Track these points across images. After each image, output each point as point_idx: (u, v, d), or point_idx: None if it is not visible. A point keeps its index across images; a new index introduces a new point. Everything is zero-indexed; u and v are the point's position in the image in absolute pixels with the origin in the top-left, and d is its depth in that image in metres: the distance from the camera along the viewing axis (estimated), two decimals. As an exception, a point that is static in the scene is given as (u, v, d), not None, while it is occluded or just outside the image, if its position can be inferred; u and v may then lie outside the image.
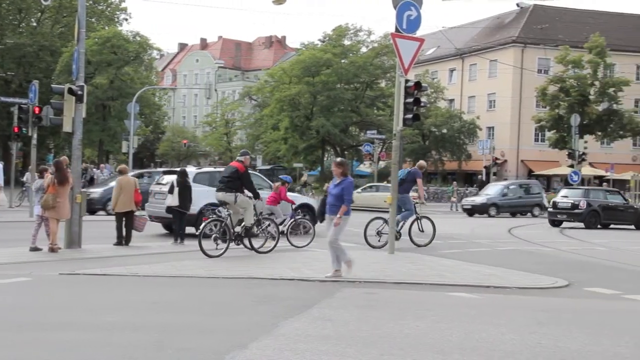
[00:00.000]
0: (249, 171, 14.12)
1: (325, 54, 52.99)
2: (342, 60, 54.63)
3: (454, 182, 48.17)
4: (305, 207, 18.91)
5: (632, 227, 27.25)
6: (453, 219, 29.25)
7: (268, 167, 72.50)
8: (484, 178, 50.50)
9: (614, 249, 17.50)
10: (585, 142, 42.08)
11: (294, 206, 17.04)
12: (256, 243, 13.66)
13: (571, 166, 39.49)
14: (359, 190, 39.12)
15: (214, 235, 13.02)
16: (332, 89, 53.07)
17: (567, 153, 41.47)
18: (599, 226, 26.45)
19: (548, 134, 52.60)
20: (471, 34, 65.91)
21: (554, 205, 27.34)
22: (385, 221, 14.82)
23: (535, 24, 60.09)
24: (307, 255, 13.43)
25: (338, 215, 10.43)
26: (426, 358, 5.96)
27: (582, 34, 55.28)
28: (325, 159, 62.04)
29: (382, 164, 50.85)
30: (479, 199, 35.37)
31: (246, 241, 13.46)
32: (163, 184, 17.60)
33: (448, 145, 58.36)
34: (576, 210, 26.41)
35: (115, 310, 7.94)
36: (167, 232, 17.71)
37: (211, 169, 19.44)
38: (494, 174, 50.65)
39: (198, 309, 8.20)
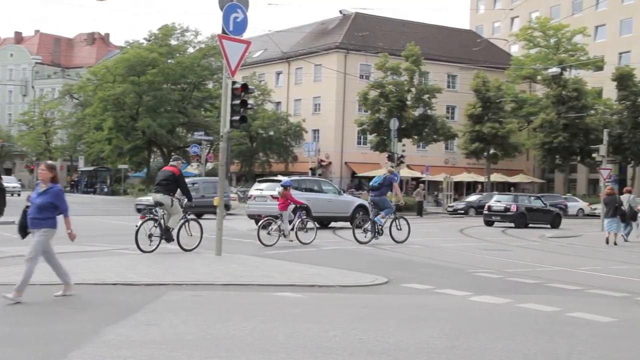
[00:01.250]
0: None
1: (151, 53, 51.80)
2: (169, 60, 53.69)
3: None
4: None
5: (549, 226, 31.48)
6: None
7: (91, 168, 69.69)
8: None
9: (430, 247, 18.57)
10: (404, 145, 44.29)
11: (296, 206, 17.91)
12: (186, 241, 14.67)
13: (392, 168, 41.33)
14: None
15: (148, 233, 14.10)
16: (159, 89, 51.98)
17: (387, 155, 43.46)
18: (525, 225, 30.92)
19: (370, 137, 54.83)
20: (297, 38, 67.25)
21: (489, 208, 32.20)
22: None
23: (357, 31, 62.40)
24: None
25: (68, 230, 8.85)
26: (253, 358, 6.02)
27: (399, 42, 58.24)
28: (151, 160, 60.65)
29: (209, 165, 50.52)
30: None
31: (179, 239, 14.56)
32: None
33: (275, 147, 59.14)
34: (508, 213, 31.17)
35: None
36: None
37: None
38: (320, 175, 52.00)
39: (10, 317, 7.71)
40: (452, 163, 63.47)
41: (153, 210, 14.76)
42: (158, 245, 14.20)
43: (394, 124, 42.62)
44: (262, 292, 9.89)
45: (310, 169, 50.17)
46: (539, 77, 60.67)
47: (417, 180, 55.35)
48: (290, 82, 66.11)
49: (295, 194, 20.12)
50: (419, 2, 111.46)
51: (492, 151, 55.85)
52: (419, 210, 40.94)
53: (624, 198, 23.05)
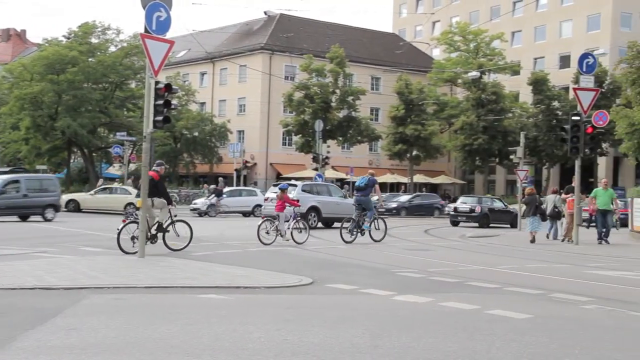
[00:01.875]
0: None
1: (70, 51, 50.35)
2: (90, 59, 52.33)
3: (205, 185, 48.43)
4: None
5: (508, 226, 33.64)
6: (204, 222, 29.40)
7: (7, 169, 67.21)
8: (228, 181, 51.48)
9: (356, 247, 18.74)
10: (328, 146, 44.62)
11: (297, 208, 19.31)
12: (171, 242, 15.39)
13: (316, 169, 41.65)
14: (91, 192, 38.38)
15: (131, 235, 14.47)
16: (79, 88, 50.60)
17: (312, 157, 43.66)
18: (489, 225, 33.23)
19: (295, 138, 54.99)
20: (221, 38, 66.78)
21: (455, 209, 35.00)
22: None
23: (281, 32, 62.46)
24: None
25: None
26: (176, 361, 5.95)
27: (324, 44, 58.62)
28: (72, 160, 59.08)
29: (132, 166, 49.60)
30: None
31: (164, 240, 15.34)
32: None
33: (199, 148, 58.55)
34: (473, 214, 33.77)
35: None
36: None
37: None
38: (245, 176, 51.79)
39: None
40: (376, 164, 64.25)
41: (134, 214, 15.44)
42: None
43: (318, 125, 42.86)
44: (187, 295, 9.79)
45: (235, 170, 49.90)
46: (459, 81, 62.18)
47: (342, 181, 55.81)
48: (214, 82, 65.60)
49: (308, 197, 25.12)
50: (343, 4, 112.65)
51: (414, 153, 56.88)
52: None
53: (550, 198, 23.91)
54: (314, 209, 26.36)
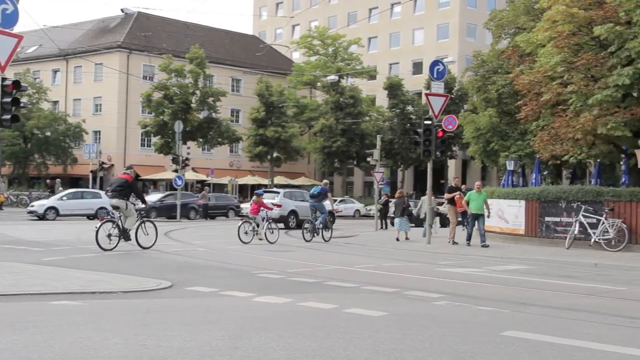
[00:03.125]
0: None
1: None
2: None
3: (60, 188, 46.41)
4: None
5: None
6: (51, 225, 28.15)
7: None
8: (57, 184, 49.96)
9: (215, 249, 18.65)
10: (188, 148, 44.02)
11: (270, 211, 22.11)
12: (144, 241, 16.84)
13: (175, 171, 40.99)
14: None
15: (107, 233, 16.10)
16: None
17: (171, 158, 42.94)
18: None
19: (154, 139, 53.85)
20: (75, 35, 64.20)
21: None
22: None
23: (139, 30, 60.97)
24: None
25: None
26: (26, 372, 5.69)
27: (184, 44, 57.87)
28: None
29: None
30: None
31: (135, 238, 16.85)
32: None
33: (52, 149, 56.04)
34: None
35: None
36: None
37: None
38: (101, 178, 50.08)
39: None
40: (237, 166, 64.17)
41: (110, 213, 17.08)
42: (117, 243, 16.33)
43: (178, 126, 42.23)
44: (37, 302, 9.34)
45: (91, 171, 48.15)
46: (318, 84, 63.36)
47: (202, 183, 55.24)
48: (68, 80, 62.99)
49: (289, 202, 31.10)
50: (203, 5, 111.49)
51: (275, 154, 57.28)
52: (204, 212, 40.96)
53: (425, 199, 25.46)
54: (293, 212, 31.41)
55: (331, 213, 27.78)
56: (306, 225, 22.96)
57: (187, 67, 51.76)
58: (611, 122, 20.26)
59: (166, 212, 38.33)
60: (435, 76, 21.76)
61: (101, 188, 46.89)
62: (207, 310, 9.03)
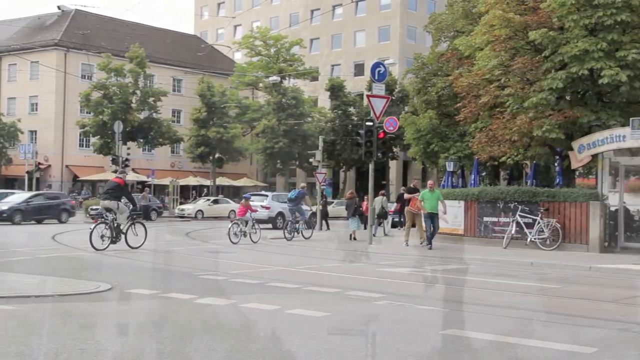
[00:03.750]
0: None
1: None
2: None
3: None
4: None
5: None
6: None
7: None
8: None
9: (158, 251, 18.39)
10: (129, 148, 43.32)
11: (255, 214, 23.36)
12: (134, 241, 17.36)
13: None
14: None
15: (101, 234, 16.84)
16: None
17: (111, 159, 42.19)
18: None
19: (93, 139, 52.81)
20: (9, 32, 62.47)
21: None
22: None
23: (77, 29, 59.68)
24: None
25: None
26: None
27: (123, 43, 56.88)
28: None
29: None
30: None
31: (126, 239, 17.52)
32: None
33: (-16, 149, 54.34)
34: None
35: None
36: None
37: None
38: (37, 179, 48.86)
39: None
40: (178, 167, 63.44)
41: (103, 215, 17.58)
42: (109, 244, 16.93)
43: (118, 126, 41.54)
44: (-30, 308, 9.06)
45: (27, 172, 46.93)
46: (260, 85, 63.15)
47: (143, 184, 54.47)
48: (2, 79, 61.25)
49: (276, 205, 33.12)
50: (144, 4, 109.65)
51: (217, 155, 56.85)
52: (145, 214, 40.35)
53: (377, 200, 25.95)
54: (280, 214, 33.08)
55: (314, 213, 30.42)
56: (287, 226, 24.73)
57: (127, 67, 50.89)
58: (546, 125, 20.79)
59: (33, 214, 33.80)
60: (376, 78, 21.93)
61: (37, 189, 45.74)
62: (148, 313, 8.92)
